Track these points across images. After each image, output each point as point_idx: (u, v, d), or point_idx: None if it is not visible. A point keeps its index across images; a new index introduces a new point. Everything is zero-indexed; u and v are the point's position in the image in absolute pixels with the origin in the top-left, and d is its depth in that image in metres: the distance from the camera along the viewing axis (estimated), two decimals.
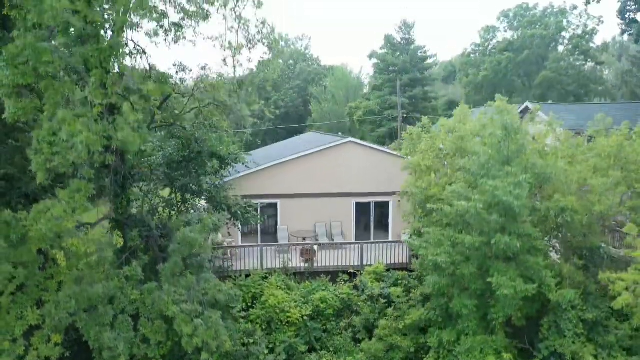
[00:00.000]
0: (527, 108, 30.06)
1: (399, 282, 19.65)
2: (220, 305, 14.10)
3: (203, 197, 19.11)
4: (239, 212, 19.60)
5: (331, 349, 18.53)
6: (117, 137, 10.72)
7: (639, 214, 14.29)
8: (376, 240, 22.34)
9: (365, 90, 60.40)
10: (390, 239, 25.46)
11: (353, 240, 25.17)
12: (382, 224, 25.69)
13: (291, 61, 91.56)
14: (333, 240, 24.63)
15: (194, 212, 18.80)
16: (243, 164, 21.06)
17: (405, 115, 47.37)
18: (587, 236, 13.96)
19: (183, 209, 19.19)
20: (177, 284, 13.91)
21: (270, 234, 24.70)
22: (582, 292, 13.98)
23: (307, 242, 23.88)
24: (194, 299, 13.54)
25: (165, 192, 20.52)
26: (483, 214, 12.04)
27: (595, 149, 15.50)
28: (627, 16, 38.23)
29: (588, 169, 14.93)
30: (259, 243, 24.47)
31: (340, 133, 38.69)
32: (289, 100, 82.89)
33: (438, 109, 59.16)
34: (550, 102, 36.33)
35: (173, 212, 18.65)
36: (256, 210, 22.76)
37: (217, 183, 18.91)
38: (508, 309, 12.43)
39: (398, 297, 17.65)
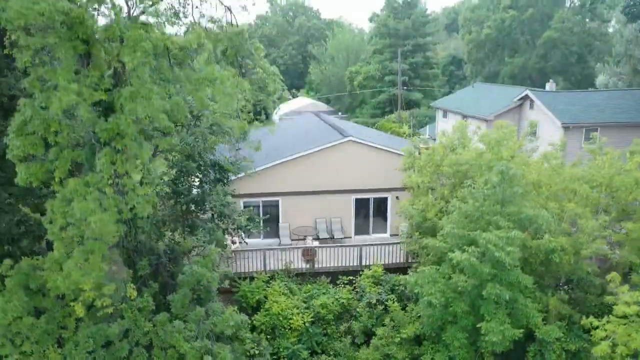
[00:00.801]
0: (526, 96, 30.09)
1: (396, 287, 20.63)
2: (228, 334, 15.06)
3: (208, 211, 19.70)
4: (243, 224, 20.28)
5: (331, 353, 19.77)
6: (128, 209, 11.23)
7: (624, 248, 15.01)
8: (374, 243, 23.09)
9: (365, 56, 59.43)
10: (388, 233, 26.40)
11: (352, 235, 26.11)
12: (381, 219, 26.45)
13: (290, 13, 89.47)
14: (333, 236, 25.52)
15: (200, 224, 19.42)
16: (246, 173, 21.52)
17: (405, 88, 47.15)
18: (574, 270, 14.73)
19: (189, 222, 19.82)
20: (187, 317, 14.80)
21: (271, 230, 25.48)
22: (566, 322, 14.94)
23: (308, 239, 24.81)
24: (203, 333, 14.47)
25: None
26: (476, 265, 12.73)
27: (589, 178, 15.94)
28: None
29: (580, 202, 15.48)
30: (262, 239, 25.45)
31: (339, 113, 38.63)
32: (288, 57, 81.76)
33: (438, 76, 58.58)
34: (550, 82, 36.16)
35: (179, 227, 19.29)
36: (259, 214, 23.53)
37: (222, 199, 19.43)
38: (497, 347, 13.38)
39: (394, 310, 18.62)
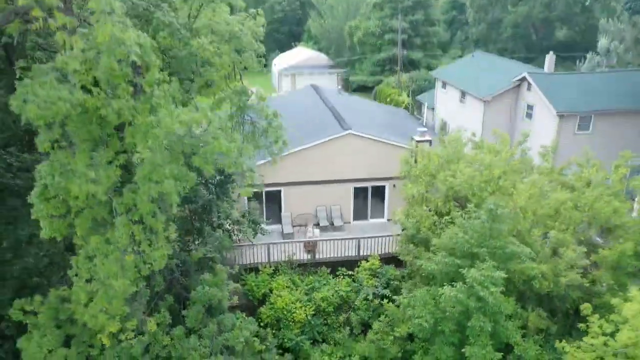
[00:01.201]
0: (524, 78, 30.31)
1: (391, 282, 22.19)
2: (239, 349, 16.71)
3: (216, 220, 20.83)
4: (249, 228, 21.52)
5: (331, 342, 21.65)
6: (146, 267, 12.42)
7: (600, 271, 16.30)
8: (371, 235, 24.37)
9: (365, 10, 58.04)
10: (386, 218, 27.71)
11: (351, 221, 27.44)
12: (379, 205, 27.64)
13: None
14: (333, 223, 26.84)
15: (208, 231, 20.61)
16: (251, 184, 22.10)
17: (405, 52, 46.71)
18: (553, 291, 16.09)
19: (196, 228, 20.99)
20: (202, 332, 16.39)
21: (274, 218, 26.74)
22: (544, 334, 16.53)
23: (309, 226, 26.17)
24: (216, 348, 16.11)
25: None
26: (463, 300, 14.06)
27: (573, 203, 16.93)
28: None
29: (564, 221, 16.60)
30: (265, 225, 26.75)
31: (339, 87, 38.68)
32: (286, 4, 79.61)
33: (439, 33, 57.57)
34: (550, 55, 36.06)
35: (189, 239, 20.47)
36: (262, 205, 24.74)
37: (227, 209, 20.49)
38: None
39: (388, 308, 20.20)
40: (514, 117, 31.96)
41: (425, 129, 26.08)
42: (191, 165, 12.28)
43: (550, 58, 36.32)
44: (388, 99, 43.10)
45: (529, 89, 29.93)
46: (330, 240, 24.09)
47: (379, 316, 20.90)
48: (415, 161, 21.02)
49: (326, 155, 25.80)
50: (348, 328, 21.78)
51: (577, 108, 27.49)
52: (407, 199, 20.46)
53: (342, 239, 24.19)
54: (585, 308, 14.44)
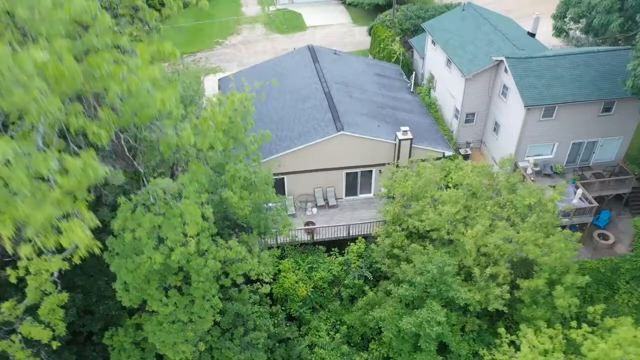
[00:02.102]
0: (501, 62, 33.10)
1: (373, 264, 28.32)
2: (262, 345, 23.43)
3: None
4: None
5: (327, 310, 28.59)
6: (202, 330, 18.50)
7: (522, 291, 22.29)
8: (358, 222, 30.01)
9: None
10: (372, 194, 33.02)
11: (343, 197, 32.83)
12: (367, 184, 32.73)
13: None
14: (328, 202, 32.29)
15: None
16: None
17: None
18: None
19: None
20: (233, 333, 23.07)
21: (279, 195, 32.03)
22: (477, 331, 23.07)
23: (308, 206, 31.72)
24: (244, 346, 22.85)
25: None
26: (415, 331, 20.24)
27: (512, 235, 22.25)
28: None
29: (498, 257, 22.16)
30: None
31: (335, 50, 40.48)
32: None
33: None
34: (535, 15, 37.68)
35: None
36: None
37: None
38: None
39: (368, 292, 26.61)
40: (491, 91, 35.30)
41: (407, 128, 30.13)
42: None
43: (535, 17, 38.32)
44: (382, 45, 45.11)
45: (506, 71, 32.90)
46: (326, 227, 29.83)
47: (363, 293, 27.53)
48: (394, 181, 25.73)
49: (322, 150, 30.24)
50: (339, 299, 28.61)
51: (543, 101, 30.97)
52: (385, 218, 25.74)
53: (336, 226, 29.91)
54: (500, 331, 20.78)
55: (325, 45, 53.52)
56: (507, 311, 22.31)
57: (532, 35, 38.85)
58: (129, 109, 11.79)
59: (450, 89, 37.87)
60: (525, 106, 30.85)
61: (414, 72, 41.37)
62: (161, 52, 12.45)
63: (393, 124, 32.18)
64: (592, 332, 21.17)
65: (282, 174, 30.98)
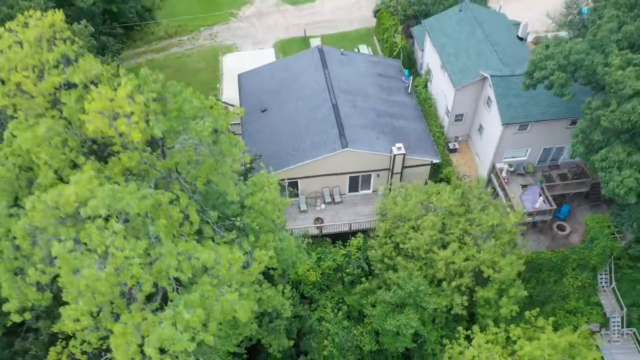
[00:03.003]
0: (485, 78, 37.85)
1: (368, 259, 35.40)
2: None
3: None
4: None
5: (332, 291, 36.27)
6: None
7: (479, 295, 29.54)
8: (358, 220, 36.82)
9: None
10: (371, 190, 39.44)
11: (347, 193, 39.29)
12: (366, 184, 39.04)
13: None
14: (333, 198, 38.84)
15: None
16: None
17: None
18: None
19: None
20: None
21: (294, 196, 38.60)
22: (444, 321, 30.64)
23: (318, 202, 38.39)
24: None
25: None
26: (396, 330, 27.78)
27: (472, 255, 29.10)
28: None
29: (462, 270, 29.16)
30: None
31: (342, 50, 44.26)
32: None
33: None
34: None
35: None
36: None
37: None
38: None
39: (364, 282, 34.02)
40: (478, 100, 40.20)
41: (401, 145, 35.92)
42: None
43: (524, 23, 42.30)
44: (385, 35, 48.81)
45: (490, 85, 37.66)
46: (332, 224, 36.74)
47: (360, 281, 35.03)
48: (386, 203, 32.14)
49: (329, 162, 36.26)
50: (341, 284, 36.23)
51: (519, 119, 36.10)
52: (378, 232, 32.49)
53: (340, 224, 36.80)
54: (459, 330, 28.40)
55: (333, 19, 57.27)
56: (467, 312, 29.83)
57: (521, 39, 42.93)
58: None
59: (443, 89, 42.76)
60: (502, 124, 36.24)
61: (412, 75, 45.50)
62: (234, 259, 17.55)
63: (390, 134, 37.82)
64: (527, 328, 28.81)
65: (296, 178, 37.35)
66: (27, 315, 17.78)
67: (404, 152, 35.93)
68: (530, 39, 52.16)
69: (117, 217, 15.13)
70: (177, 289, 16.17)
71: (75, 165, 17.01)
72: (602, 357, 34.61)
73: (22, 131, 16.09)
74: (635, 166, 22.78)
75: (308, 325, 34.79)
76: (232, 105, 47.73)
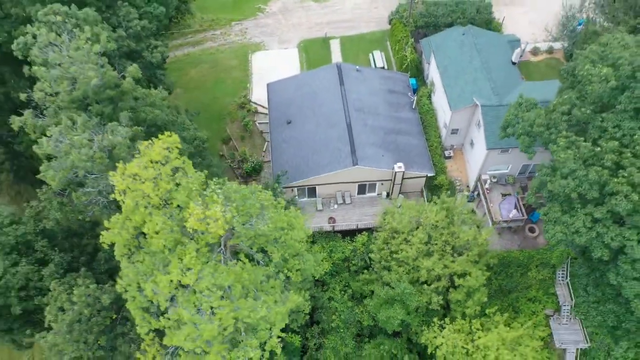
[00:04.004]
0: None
1: (369, 254, 44.40)
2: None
3: None
4: None
5: (341, 277, 45.64)
6: None
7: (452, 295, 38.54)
8: (364, 220, 45.51)
9: None
10: (376, 194, 47.81)
11: (355, 195, 47.75)
12: (372, 188, 47.32)
13: None
14: (344, 200, 47.33)
15: None
16: None
17: None
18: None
19: None
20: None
21: (312, 197, 47.15)
22: (425, 308, 39.95)
23: (331, 202, 47.01)
24: None
25: None
26: (386, 320, 37.13)
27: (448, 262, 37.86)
28: None
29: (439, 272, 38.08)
30: (307, 198, 47.43)
31: (357, 67, 50.53)
32: None
33: None
34: None
35: None
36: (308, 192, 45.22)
37: None
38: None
39: (365, 273, 43.29)
40: (471, 119, 47.20)
41: (401, 164, 43.79)
42: None
43: (517, 50, 48.50)
44: (397, 47, 54.86)
45: (480, 112, 44.59)
46: (343, 224, 45.55)
47: (362, 272, 44.25)
48: (386, 217, 40.58)
49: (342, 174, 44.42)
50: (348, 271, 45.55)
51: (501, 145, 43.36)
52: (378, 239, 41.16)
53: (349, 223, 45.57)
54: (435, 321, 37.77)
55: (352, 19, 63.06)
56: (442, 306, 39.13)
57: (514, 63, 49.22)
58: None
59: (442, 106, 49.75)
60: (487, 148, 43.74)
61: (418, 83, 52.13)
62: None
63: (394, 151, 45.57)
64: (487, 321, 38.07)
65: (315, 184, 45.78)
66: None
67: (403, 170, 43.89)
68: (528, 48, 58.04)
69: (215, 288, 23.84)
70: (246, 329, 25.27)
71: (179, 242, 25.47)
72: (551, 334, 44.15)
73: (138, 215, 24.55)
74: (565, 224, 30.58)
75: (320, 302, 44.50)
76: (262, 106, 55.71)
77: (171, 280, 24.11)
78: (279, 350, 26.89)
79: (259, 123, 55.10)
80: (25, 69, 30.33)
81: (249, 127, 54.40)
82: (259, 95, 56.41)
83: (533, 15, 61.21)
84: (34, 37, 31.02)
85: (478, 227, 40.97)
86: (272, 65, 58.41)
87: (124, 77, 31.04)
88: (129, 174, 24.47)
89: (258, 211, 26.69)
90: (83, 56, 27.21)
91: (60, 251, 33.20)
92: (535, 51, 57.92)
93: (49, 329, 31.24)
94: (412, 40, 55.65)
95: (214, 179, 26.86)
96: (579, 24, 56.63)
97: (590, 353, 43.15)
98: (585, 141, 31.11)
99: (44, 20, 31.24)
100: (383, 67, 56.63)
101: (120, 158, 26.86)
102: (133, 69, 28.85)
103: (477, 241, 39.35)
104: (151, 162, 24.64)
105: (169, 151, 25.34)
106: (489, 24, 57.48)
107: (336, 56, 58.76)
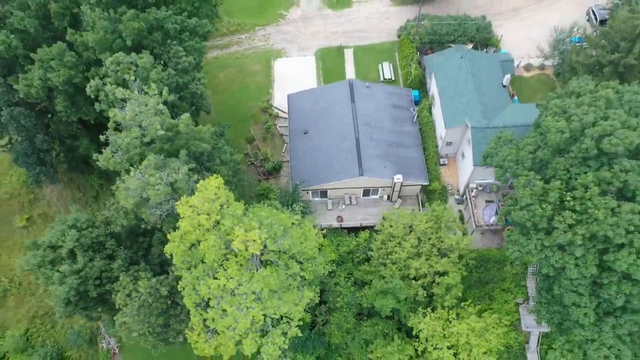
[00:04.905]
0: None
1: (370, 248, 53.16)
2: None
3: None
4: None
5: (347, 266, 54.61)
6: None
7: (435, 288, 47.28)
8: (367, 219, 54.03)
9: None
10: (378, 196, 56.14)
11: (361, 197, 56.13)
12: (374, 193, 55.59)
13: None
14: (351, 201, 55.75)
15: None
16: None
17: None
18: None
19: None
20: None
21: (323, 197, 55.63)
22: (413, 298, 48.86)
23: (341, 202, 55.53)
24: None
25: None
26: (380, 307, 46.10)
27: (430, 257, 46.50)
28: None
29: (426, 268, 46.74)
30: (319, 198, 55.91)
31: (367, 83, 57.50)
32: None
33: None
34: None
35: None
36: (320, 194, 53.87)
37: None
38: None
39: (365, 266, 52.22)
40: (463, 137, 54.61)
41: (400, 176, 51.85)
42: None
43: (507, 76, 55.44)
44: (403, 62, 61.65)
45: (470, 132, 52.00)
46: (349, 222, 54.17)
47: (364, 263, 53.18)
48: (384, 222, 49.00)
49: (349, 182, 52.66)
50: (352, 262, 54.52)
51: (486, 162, 51.04)
52: (377, 240, 49.72)
53: (354, 221, 54.16)
54: (419, 310, 46.88)
55: (365, 29, 69.57)
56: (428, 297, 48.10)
57: (504, 86, 56.14)
58: None
59: (439, 120, 57.16)
60: (473, 165, 51.55)
61: (421, 95, 59.42)
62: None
63: (395, 163, 53.49)
64: (462, 310, 47.05)
65: (326, 188, 54.18)
66: None
67: (402, 181, 52.01)
68: (522, 64, 64.62)
69: (250, 292, 32.68)
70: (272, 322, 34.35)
71: (225, 256, 34.11)
72: (519, 319, 53.16)
73: (194, 235, 33.27)
74: (521, 245, 38.71)
75: (328, 287, 53.69)
76: (282, 111, 63.46)
77: (218, 285, 33.05)
78: (299, 334, 36.05)
79: (279, 126, 62.95)
80: (102, 138, 39.15)
81: (270, 130, 62.37)
82: (280, 100, 63.96)
83: (532, 30, 67.00)
84: (104, 82, 39.17)
85: (464, 234, 49.37)
86: (292, 72, 65.61)
87: (177, 116, 39.23)
88: (190, 205, 33.08)
89: (282, 232, 35.23)
90: (150, 110, 35.30)
91: (124, 248, 42.33)
92: (528, 67, 64.73)
93: (116, 309, 40.75)
94: (418, 54, 62.44)
95: (251, 206, 35.46)
96: (572, 41, 62.87)
97: (550, 335, 52.23)
98: (542, 178, 38.95)
99: (112, 68, 39.22)
100: (390, 79, 63.71)
101: (180, 188, 35.40)
102: (185, 118, 36.91)
103: (459, 245, 47.80)
104: (204, 198, 33.19)
105: (217, 188, 33.78)
106: (488, 40, 63.86)
107: (349, 65, 65.74)
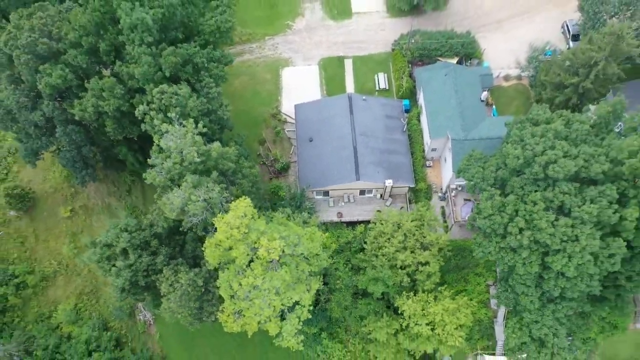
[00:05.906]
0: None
1: (365, 240, 63.33)
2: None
3: None
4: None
5: (345, 254, 64.86)
6: None
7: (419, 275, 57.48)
8: (362, 214, 63.97)
9: None
10: (373, 195, 65.91)
11: (357, 195, 65.91)
12: (369, 192, 65.29)
13: None
14: (349, 199, 65.54)
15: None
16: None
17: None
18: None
19: None
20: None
21: (326, 196, 65.36)
22: (399, 283, 59.15)
23: (341, 200, 65.40)
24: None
25: None
26: (372, 291, 56.42)
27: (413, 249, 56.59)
28: None
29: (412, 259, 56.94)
30: (322, 196, 65.72)
31: (364, 97, 66.09)
32: None
33: None
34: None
35: None
36: (322, 194, 63.76)
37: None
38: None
39: (362, 255, 62.47)
40: (445, 145, 63.73)
41: (390, 180, 61.44)
42: None
43: (485, 93, 64.27)
44: (396, 75, 70.06)
45: (450, 143, 61.13)
46: (347, 217, 64.13)
47: (360, 252, 63.43)
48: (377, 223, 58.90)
49: (348, 185, 62.29)
50: (349, 251, 64.80)
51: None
52: (370, 236, 59.69)
53: (351, 217, 64.11)
54: (404, 292, 57.49)
55: (364, 40, 77.70)
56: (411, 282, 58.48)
57: (483, 100, 64.96)
58: None
59: (426, 129, 66.23)
60: (452, 171, 61.03)
61: (412, 104, 68.38)
62: None
63: (387, 168, 62.97)
64: (439, 294, 57.57)
65: (329, 189, 63.89)
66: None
67: (392, 185, 61.64)
68: (502, 75, 73.06)
69: (272, 288, 42.91)
70: (289, 309, 44.63)
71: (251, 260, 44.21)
72: (489, 299, 63.70)
73: (227, 243, 43.38)
74: (484, 246, 48.66)
75: (329, 271, 64.13)
76: (290, 117, 72.55)
77: (248, 283, 43.30)
78: (309, 316, 46.72)
79: (287, 131, 72.09)
80: (149, 161, 48.71)
81: (279, 134, 71.55)
82: (287, 107, 72.80)
83: (512, 43, 74.96)
84: (150, 107, 48.47)
85: (446, 231, 59.30)
86: (298, 81, 74.19)
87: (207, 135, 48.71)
88: (225, 222, 42.99)
89: (297, 241, 45.27)
90: (188, 140, 44.72)
91: (165, 246, 52.45)
92: (507, 77, 73.25)
93: (159, 294, 51.25)
94: (410, 66, 70.94)
95: (269, 219, 45.32)
96: (547, 54, 71.16)
97: (515, 312, 62.91)
98: (502, 193, 48.61)
99: (157, 96, 48.40)
100: (385, 88, 72.39)
101: (213, 203, 45.18)
102: (217, 146, 46.38)
103: (439, 241, 57.85)
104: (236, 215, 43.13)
105: (245, 207, 43.64)
106: (472, 54, 72.16)
107: (349, 76, 74.22)
